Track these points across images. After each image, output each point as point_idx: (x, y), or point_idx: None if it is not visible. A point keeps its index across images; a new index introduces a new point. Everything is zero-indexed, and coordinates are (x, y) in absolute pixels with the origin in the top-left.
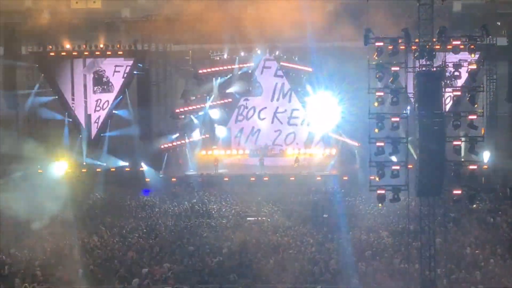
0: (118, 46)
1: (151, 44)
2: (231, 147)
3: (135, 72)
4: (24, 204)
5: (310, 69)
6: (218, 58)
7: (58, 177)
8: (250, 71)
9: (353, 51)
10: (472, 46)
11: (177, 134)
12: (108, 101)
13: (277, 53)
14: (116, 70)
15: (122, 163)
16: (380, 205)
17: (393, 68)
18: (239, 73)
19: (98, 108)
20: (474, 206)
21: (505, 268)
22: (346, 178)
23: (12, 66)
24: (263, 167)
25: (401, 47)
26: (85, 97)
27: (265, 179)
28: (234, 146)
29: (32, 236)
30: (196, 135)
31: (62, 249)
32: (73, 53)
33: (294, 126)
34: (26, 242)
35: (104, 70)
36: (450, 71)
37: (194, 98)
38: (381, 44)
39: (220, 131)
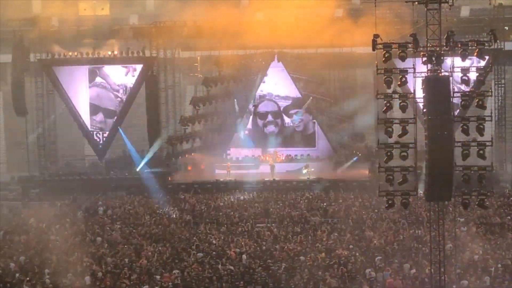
0: (126, 52)
1: (159, 50)
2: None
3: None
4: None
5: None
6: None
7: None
8: (258, 77)
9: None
10: (480, 51)
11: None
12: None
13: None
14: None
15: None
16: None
17: (401, 74)
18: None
19: (105, 116)
20: (483, 210)
21: None
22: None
23: (21, 73)
24: (274, 172)
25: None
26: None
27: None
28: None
29: (42, 244)
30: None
31: (71, 256)
32: (82, 60)
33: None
34: (36, 250)
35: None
36: (459, 76)
37: (203, 105)
38: (389, 49)
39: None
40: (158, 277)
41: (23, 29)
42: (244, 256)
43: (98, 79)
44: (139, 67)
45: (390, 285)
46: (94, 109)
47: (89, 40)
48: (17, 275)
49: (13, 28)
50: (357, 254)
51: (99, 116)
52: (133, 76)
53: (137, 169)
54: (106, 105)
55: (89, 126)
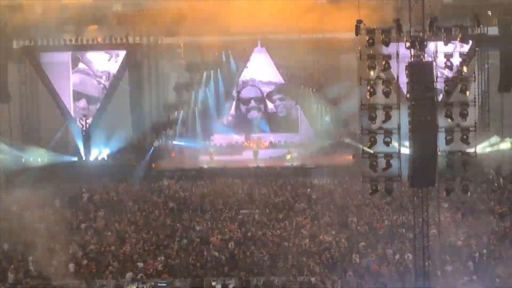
0: (109, 39)
1: (142, 37)
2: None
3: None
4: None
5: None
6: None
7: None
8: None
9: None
10: (464, 36)
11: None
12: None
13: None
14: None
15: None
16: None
17: (384, 59)
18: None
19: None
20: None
21: (499, 258)
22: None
23: (4, 60)
24: (257, 159)
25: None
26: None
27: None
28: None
29: (25, 231)
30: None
31: (55, 243)
32: (65, 47)
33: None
34: (20, 237)
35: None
36: (442, 61)
37: (186, 91)
38: (373, 34)
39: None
40: (141, 264)
41: (6, 16)
42: (228, 243)
43: (81, 65)
44: (122, 53)
45: (375, 271)
46: (77, 95)
47: (73, 27)
48: (2, 263)
49: None
50: (342, 240)
51: (82, 102)
52: (116, 62)
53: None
54: (89, 92)
55: (72, 113)
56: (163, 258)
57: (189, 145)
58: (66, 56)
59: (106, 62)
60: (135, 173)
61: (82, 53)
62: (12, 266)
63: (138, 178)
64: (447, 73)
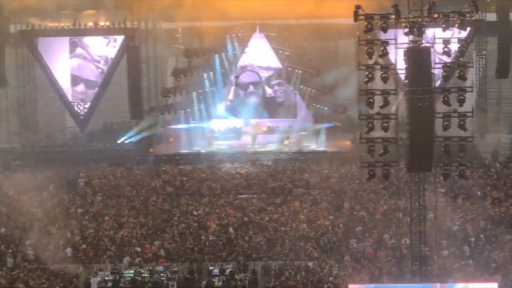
0: (107, 23)
1: (140, 21)
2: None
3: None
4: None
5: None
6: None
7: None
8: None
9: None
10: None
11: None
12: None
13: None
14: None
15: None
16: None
17: (382, 45)
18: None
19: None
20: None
21: (495, 243)
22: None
23: (1, 44)
24: (255, 144)
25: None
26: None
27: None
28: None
29: (23, 215)
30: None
31: (52, 228)
32: (63, 31)
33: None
34: (17, 222)
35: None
36: (440, 47)
37: (184, 76)
38: (371, 20)
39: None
40: (138, 248)
41: (3, 0)
42: (226, 228)
43: (79, 50)
44: (120, 38)
45: (370, 255)
46: (75, 80)
47: (70, 11)
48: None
49: None
50: (340, 225)
51: (80, 87)
52: (114, 47)
53: (119, 141)
54: (87, 76)
55: (70, 97)
56: (160, 242)
57: (187, 130)
58: (64, 41)
59: (104, 47)
60: (133, 157)
61: (79, 38)
62: (10, 251)
63: (136, 163)
64: (445, 59)
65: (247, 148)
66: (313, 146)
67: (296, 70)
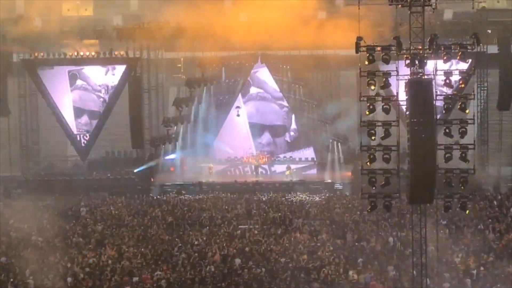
0: (110, 53)
1: (142, 51)
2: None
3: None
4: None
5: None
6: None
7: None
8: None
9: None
10: (463, 54)
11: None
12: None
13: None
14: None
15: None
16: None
17: (384, 76)
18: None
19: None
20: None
21: (496, 276)
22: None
23: (4, 73)
24: (258, 174)
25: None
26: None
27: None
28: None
29: (24, 244)
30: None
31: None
32: (65, 61)
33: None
34: (17, 251)
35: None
36: (441, 79)
37: (186, 106)
38: (373, 52)
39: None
40: (136, 278)
41: (6, 29)
42: (226, 258)
43: (79, 82)
44: (119, 66)
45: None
46: (79, 112)
47: (72, 41)
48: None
49: None
50: (341, 256)
51: (84, 119)
52: (113, 75)
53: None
54: (90, 107)
55: (75, 130)
56: (160, 273)
57: (188, 160)
58: (64, 73)
59: (103, 76)
60: (134, 187)
61: (78, 69)
62: (11, 280)
63: (137, 192)
64: (446, 90)
65: (248, 178)
66: (314, 176)
67: (298, 101)
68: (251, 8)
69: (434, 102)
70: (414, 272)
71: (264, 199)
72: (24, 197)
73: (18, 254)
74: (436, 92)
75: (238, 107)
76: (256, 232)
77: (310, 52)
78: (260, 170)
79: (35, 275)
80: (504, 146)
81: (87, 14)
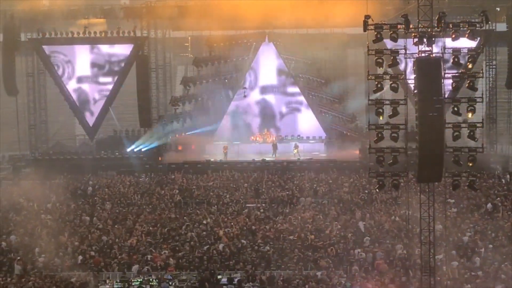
0: (117, 32)
1: (150, 30)
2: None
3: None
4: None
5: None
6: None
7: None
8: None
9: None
10: (472, 32)
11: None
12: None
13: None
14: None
15: None
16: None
17: (392, 54)
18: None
19: (97, 96)
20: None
21: (504, 254)
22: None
23: (12, 52)
24: (275, 152)
25: (401, 33)
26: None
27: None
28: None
29: (32, 223)
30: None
31: (62, 235)
32: (71, 39)
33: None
34: (27, 229)
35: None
36: (450, 57)
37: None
38: (380, 30)
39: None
40: (149, 256)
41: (14, 9)
42: (234, 237)
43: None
44: (129, 46)
45: (379, 266)
46: (85, 89)
47: (80, 20)
48: (10, 255)
49: (3, 8)
50: (349, 235)
51: (92, 95)
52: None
53: (127, 150)
54: (98, 85)
55: (83, 109)
56: (169, 251)
57: (196, 139)
58: (74, 49)
59: (113, 55)
60: (142, 165)
61: (89, 46)
62: (18, 258)
63: (145, 171)
64: (455, 69)
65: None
66: (322, 155)
67: (306, 80)
68: None
69: (442, 80)
70: (422, 250)
71: (272, 177)
72: (33, 176)
73: (28, 233)
74: (445, 70)
75: (245, 87)
76: (263, 210)
77: (317, 31)
78: (266, 148)
79: (44, 254)
80: None
81: None
